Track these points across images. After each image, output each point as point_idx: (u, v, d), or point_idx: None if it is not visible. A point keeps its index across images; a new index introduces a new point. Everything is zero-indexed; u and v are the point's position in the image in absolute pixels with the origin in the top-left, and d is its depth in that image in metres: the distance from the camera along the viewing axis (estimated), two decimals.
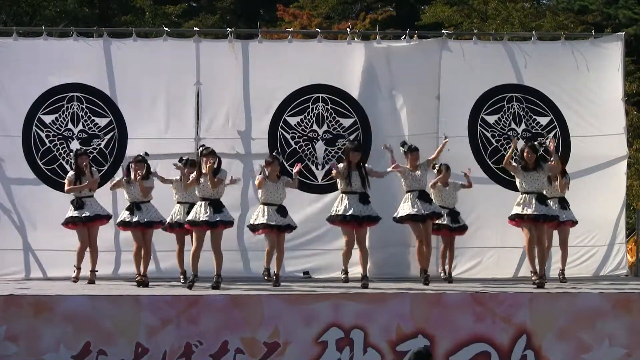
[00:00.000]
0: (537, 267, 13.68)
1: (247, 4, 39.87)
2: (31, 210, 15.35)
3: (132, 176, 14.08)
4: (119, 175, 14.90)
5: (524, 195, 13.78)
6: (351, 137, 15.63)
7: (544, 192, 14.02)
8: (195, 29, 16.72)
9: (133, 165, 14.14)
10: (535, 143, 14.19)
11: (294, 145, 15.69)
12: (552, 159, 13.97)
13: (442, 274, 14.84)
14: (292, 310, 12.26)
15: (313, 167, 15.62)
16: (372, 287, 13.48)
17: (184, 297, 12.40)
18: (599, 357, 12.53)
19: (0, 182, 15.44)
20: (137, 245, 14.04)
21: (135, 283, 13.93)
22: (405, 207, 14.15)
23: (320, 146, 15.71)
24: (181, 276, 14.40)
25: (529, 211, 13.66)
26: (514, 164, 13.86)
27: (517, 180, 13.86)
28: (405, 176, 14.22)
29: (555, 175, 14.45)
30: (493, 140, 15.98)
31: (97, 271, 14.31)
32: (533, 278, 13.65)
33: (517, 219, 13.81)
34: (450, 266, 15.05)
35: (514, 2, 31.84)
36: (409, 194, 14.21)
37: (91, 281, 14.24)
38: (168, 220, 14.36)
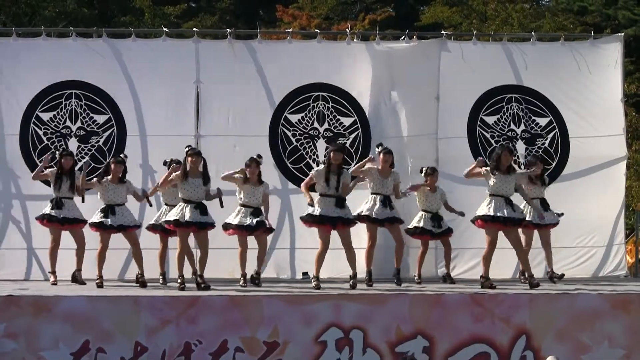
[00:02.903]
0: (529, 269, 13.83)
1: (247, 5, 39.90)
2: (32, 210, 15.33)
3: (111, 176, 14.01)
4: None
5: (491, 197, 13.79)
6: (351, 136, 15.68)
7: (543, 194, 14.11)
8: (195, 29, 16.71)
9: (113, 166, 14.10)
10: (512, 147, 14.33)
11: (295, 143, 15.70)
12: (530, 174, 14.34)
13: (415, 277, 14.80)
14: (292, 310, 12.29)
15: (314, 165, 15.60)
16: (371, 288, 13.50)
17: (183, 298, 12.42)
18: (598, 357, 12.55)
19: (2, 182, 15.46)
20: (102, 246, 13.98)
21: (137, 284, 14.02)
22: (365, 208, 14.11)
23: (321, 144, 15.72)
24: (160, 277, 14.40)
25: (497, 213, 13.63)
26: (482, 170, 13.86)
27: (489, 182, 13.84)
28: (373, 179, 14.16)
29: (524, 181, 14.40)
30: (492, 141, 15.98)
31: (80, 270, 14.19)
32: (484, 282, 13.67)
33: (480, 221, 13.78)
34: (448, 267, 15.03)
35: (514, 3, 31.88)
36: (372, 196, 14.17)
37: (82, 282, 14.17)
38: (153, 221, 14.38)
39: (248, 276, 14.07)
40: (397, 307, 12.49)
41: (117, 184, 14.06)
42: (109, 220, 13.91)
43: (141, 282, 13.98)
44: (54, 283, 14.13)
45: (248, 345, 12.15)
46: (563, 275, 15.00)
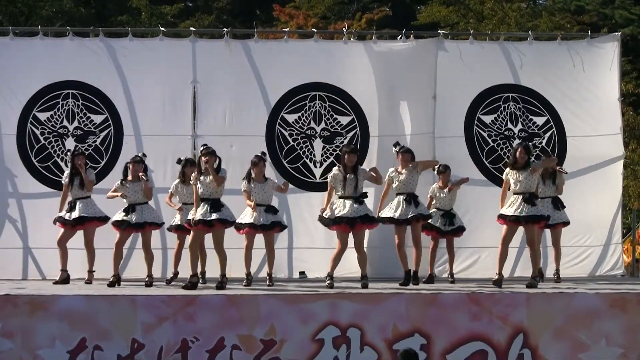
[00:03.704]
0: (536, 269, 13.85)
1: (244, 4, 39.88)
2: (29, 209, 15.34)
3: (130, 176, 14.07)
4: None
5: (514, 195, 13.82)
6: (349, 135, 15.69)
7: (537, 192, 14.15)
8: (192, 29, 16.70)
9: (131, 166, 14.13)
10: (530, 144, 14.35)
11: (291, 143, 15.70)
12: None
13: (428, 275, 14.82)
14: (289, 309, 12.30)
15: (311, 165, 15.62)
16: (369, 287, 13.50)
17: (181, 297, 12.45)
18: (596, 356, 12.56)
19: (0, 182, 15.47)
20: (118, 242, 14.03)
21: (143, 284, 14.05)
22: (389, 210, 14.13)
23: (318, 144, 15.72)
24: (173, 276, 14.46)
25: (517, 212, 13.68)
26: (505, 182, 13.93)
27: (510, 183, 13.90)
28: (393, 179, 14.19)
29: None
30: (489, 140, 15.99)
31: (94, 271, 14.27)
32: (495, 278, 13.70)
33: (502, 219, 13.84)
34: (451, 267, 15.04)
35: (510, 2, 31.87)
36: (397, 197, 14.19)
37: (89, 281, 14.20)
38: (177, 222, 14.39)
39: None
40: (393, 306, 12.50)
41: (137, 183, 14.08)
42: (128, 219, 13.96)
43: (147, 283, 13.99)
44: (57, 282, 14.12)
45: (245, 343, 12.17)
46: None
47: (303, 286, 13.67)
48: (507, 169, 13.97)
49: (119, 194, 14.15)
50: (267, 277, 14.01)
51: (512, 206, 13.73)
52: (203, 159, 13.34)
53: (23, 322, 11.99)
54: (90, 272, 14.29)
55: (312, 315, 12.30)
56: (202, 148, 13.64)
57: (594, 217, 15.99)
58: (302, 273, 15.34)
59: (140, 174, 14.05)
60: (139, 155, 14.36)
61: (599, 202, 16.03)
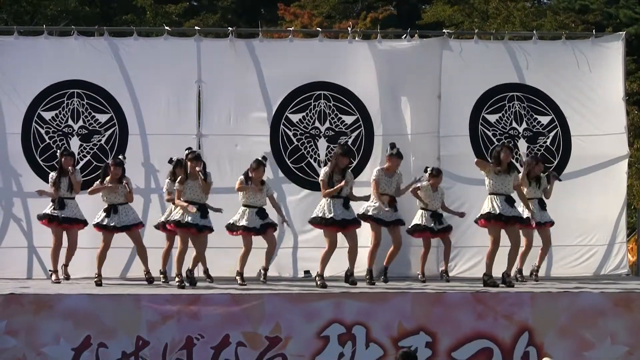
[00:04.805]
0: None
1: (248, 3, 39.88)
2: (33, 208, 15.35)
3: (110, 178, 14.07)
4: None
5: (491, 196, 13.82)
6: (353, 135, 15.68)
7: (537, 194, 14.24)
8: (196, 28, 16.71)
9: (112, 168, 14.12)
10: (511, 145, 14.53)
11: (295, 142, 15.70)
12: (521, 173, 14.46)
13: (419, 276, 14.79)
14: (294, 307, 12.35)
15: (315, 165, 15.61)
16: (372, 286, 13.50)
17: (185, 296, 12.51)
18: (601, 354, 12.61)
19: (3, 181, 15.47)
20: (104, 246, 14.03)
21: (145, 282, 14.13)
22: (370, 208, 14.08)
23: (322, 143, 15.72)
24: (161, 275, 14.40)
25: (499, 212, 13.69)
26: (488, 165, 13.93)
27: (487, 181, 13.90)
28: (380, 179, 14.14)
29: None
30: (494, 140, 15.97)
31: (68, 265, 14.30)
32: (487, 280, 13.73)
33: (484, 220, 13.84)
34: (446, 265, 15.03)
35: (515, 1, 31.87)
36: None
37: (67, 276, 14.24)
38: (162, 219, 14.38)
39: (254, 274, 14.15)
40: (398, 304, 12.55)
41: (117, 184, 14.09)
42: (112, 221, 13.95)
43: (148, 279, 14.06)
44: (57, 281, 14.13)
45: (250, 340, 12.22)
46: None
47: (308, 285, 13.68)
48: (492, 168, 13.94)
49: (102, 189, 14.14)
50: (263, 272, 14.04)
51: (495, 207, 13.71)
52: (189, 164, 13.38)
53: (28, 320, 12.02)
54: (66, 265, 14.31)
55: (317, 313, 12.35)
56: (187, 152, 13.69)
57: (599, 216, 15.99)
58: (306, 272, 15.34)
59: (124, 181, 14.07)
60: (120, 157, 14.39)
61: (603, 202, 16.02)
